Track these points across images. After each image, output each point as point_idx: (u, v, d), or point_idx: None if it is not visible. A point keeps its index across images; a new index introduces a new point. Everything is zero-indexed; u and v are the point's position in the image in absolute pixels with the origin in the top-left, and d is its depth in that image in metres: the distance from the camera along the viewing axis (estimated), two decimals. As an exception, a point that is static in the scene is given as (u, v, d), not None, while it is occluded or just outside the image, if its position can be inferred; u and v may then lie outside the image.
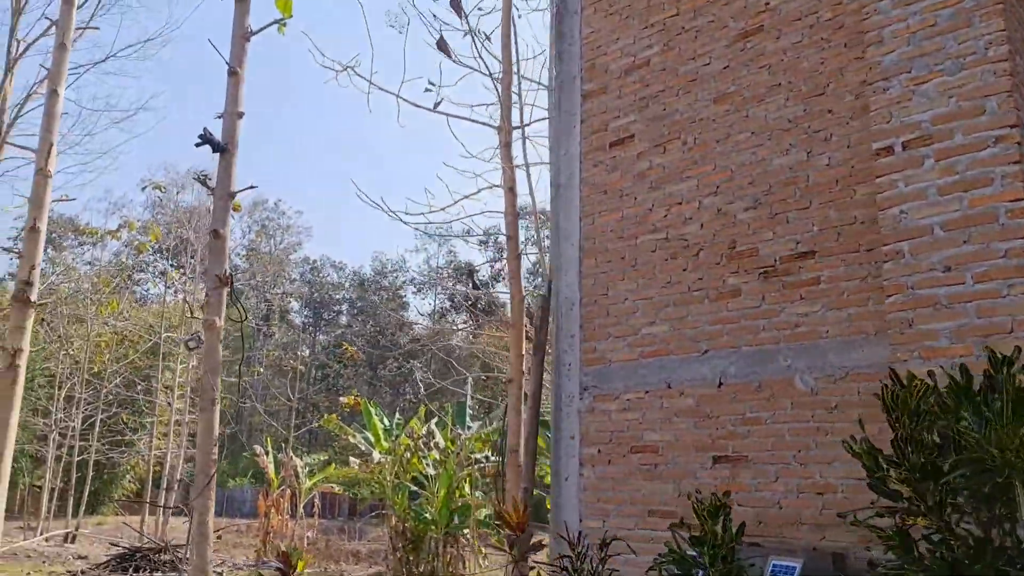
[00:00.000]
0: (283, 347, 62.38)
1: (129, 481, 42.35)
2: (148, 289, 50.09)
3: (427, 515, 22.34)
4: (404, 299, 71.66)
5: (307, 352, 66.22)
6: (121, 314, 29.68)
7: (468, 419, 23.41)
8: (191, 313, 23.63)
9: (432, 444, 22.77)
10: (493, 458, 22.79)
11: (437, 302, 70.78)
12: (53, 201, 8.85)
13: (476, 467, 22.60)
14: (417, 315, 71.34)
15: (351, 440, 22.54)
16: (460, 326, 61.54)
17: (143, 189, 34.48)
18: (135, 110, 66.74)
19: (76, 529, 26.98)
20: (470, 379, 29.08)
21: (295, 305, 73.08)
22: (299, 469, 24.60)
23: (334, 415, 25.10)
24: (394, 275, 72.94)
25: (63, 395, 29.48)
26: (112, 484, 40.90)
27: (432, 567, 22.10)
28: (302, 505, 24.57)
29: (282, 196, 62.28)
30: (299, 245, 67.55)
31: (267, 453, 25.04)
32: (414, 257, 76.25)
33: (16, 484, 40.02)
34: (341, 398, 22.14)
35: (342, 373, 65.76)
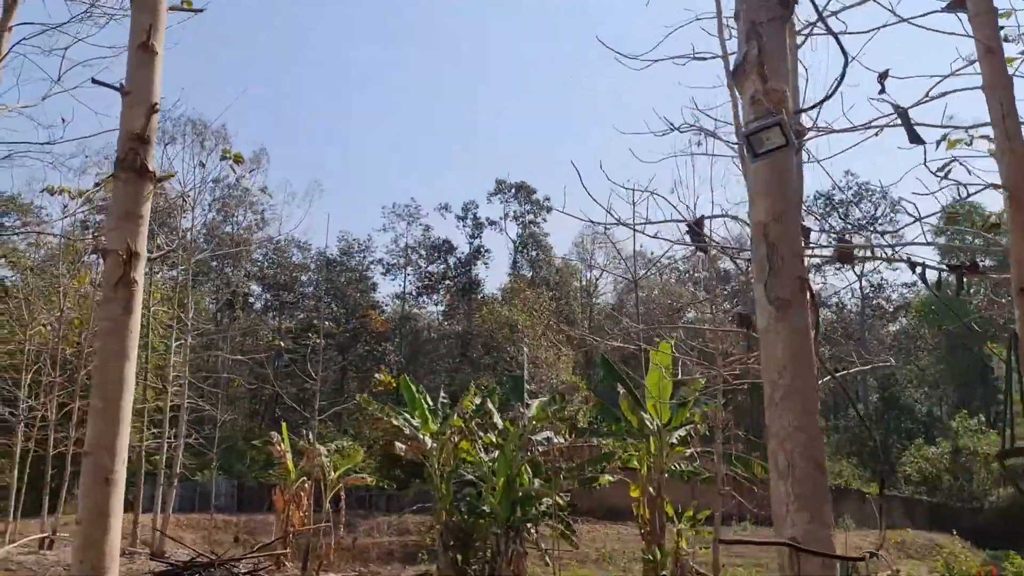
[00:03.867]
0: (244, 332, 58.53)
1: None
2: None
3: (484, 507, 19.42)
4: (372, 280, 67.75)
5: (270, 337, 62.28)
6: (97, 284, 25.90)
7: (526, 394, 20.49)
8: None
9: (489, 424, 19.86)
10: (556, 439, 20.01)
11: (408, 283, 67.27)
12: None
13: (539, 449, 19.79)
14: (385, 297, 67.77)
15: (394, 422, 19.42)
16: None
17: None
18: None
19: (54, 533, 23.29)
20: (525, 349, 26.31)
21: (256, 289, 68.84)
22: (324, 459, 21.34)
23: (364, 395, 22.02)
24: (361, 255, 68.81)
25: (28, 380, 25.67)
26: (74, 480, 36.78)
27: (492, 567, 19.19)
28: (328, 499, 21.37)
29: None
30: (262, 223, 63.12)
31: (283, 440, 21.79)
32: (381, 236, 72.18)
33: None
34: (377, 375, 18.97)
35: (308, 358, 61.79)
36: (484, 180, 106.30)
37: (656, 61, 7.70)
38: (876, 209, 59.79)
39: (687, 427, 17.62)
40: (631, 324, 21.13)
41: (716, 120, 9.45)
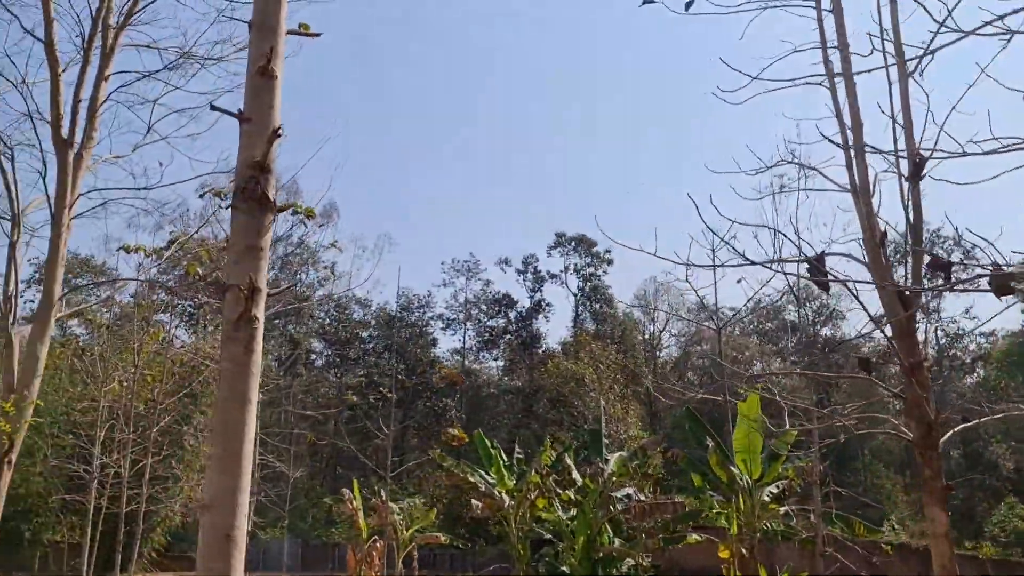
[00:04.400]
0: (306, 389, 58.72)
1: (159, 534, 38.32)
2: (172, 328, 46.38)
3: (564, 567, 18.58)
4: (432, 336, 67.65)
5: (331, 393, 62.44)
6: (169, 342, 26.17)
7: (604, 449, 19.74)
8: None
9: (568, 481, 19.13)
10: (638, 496, 19.16)
11: (467, 338, 67.01)
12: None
13: (619, 507, 18.94)
14: (445, 352, 67.54)
15: (470, 479, 18.81)
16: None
17: (201, 196, 30.67)
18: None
19: (126, 592, 23.06)
20: (603, 402, 25.53)
21: (317, 345, 69.33)
22: (396, 516, 20.77)
23: (436, 451, 21.50)
24: (421, 311, 68.90)
25: (102, 436, 25.80)
26: (144, 538, 36.83)
27: (574, 633, 18.24)
28: (401, 558, 20.74)
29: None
30: (325, 280, 63.80)
31: (355, 497, 21.32)
32: (440, 292, 72.31)
33: (38, 541, 35.92)
34: (450, 430, 18.46)
35: (371, 415, 61.70)
36: (543, 233, 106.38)
37: (760, 91, 7.27)
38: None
39: (780, 483, 16.67)
40: (733, 368, 20.26)
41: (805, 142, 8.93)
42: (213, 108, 4.60)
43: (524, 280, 60.20)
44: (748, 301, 23.40)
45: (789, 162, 10.13)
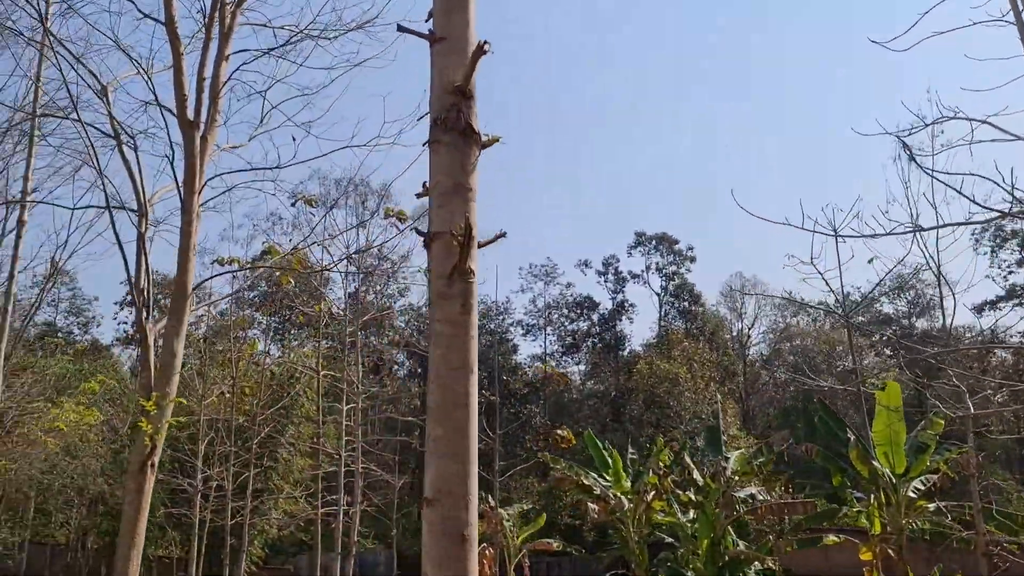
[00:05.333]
0: (392, 399, 58.62)
1: (256, 547, 38.54)
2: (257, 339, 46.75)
3: (687, 572, 17.54)
4: (512, 342, 67.02)
5: (417, 403, 62.33)
6: (265, 353, 26.10)
7: (723, 447, 18.63)
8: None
9: (689, 481, 18.09)
10: (763, 495, 18.00)
11: (548, 343, 66.13)
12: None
13: (743, 508, 17.80)
14: (526, 359, 66.78)
15: (583, 482, 17.95)
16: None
17: (293, 204, 30.57)
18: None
19: (234, 606, 22.92)
20: (719, 397, 24.47)
21: (399, 356, 69.42)
22: (505, 522, 20.03)
23: (545, 453, 20.71)
24: (500, 318, 68.35)
25: (203, 450, 25.84)
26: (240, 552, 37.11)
27: (702, 643, 17.16)
28: (512, 567, 19.99)
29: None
30: (406, 291, 63.83)
31: (462, 504, 20.71)
32: (519, 297, 71.78)
33: (144, 556, 36.41)
34: (559, 431, 17.63)
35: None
36: (622, 233, 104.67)
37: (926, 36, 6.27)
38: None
39: (928, 477, 15.31)
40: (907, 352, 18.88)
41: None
42: (401, 29, 3.89)
43: (605, 281, 59.11)
44: (881, 281, 21.76)
45: (953, 117, 8.97)
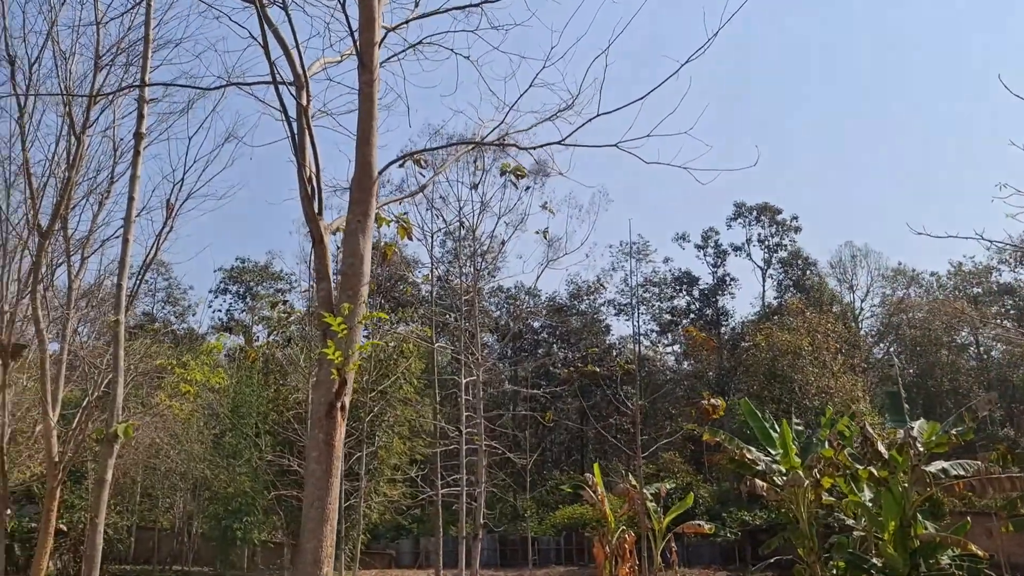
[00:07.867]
0: (485, 380, 57.18)
1: (359, 532, 37.58)
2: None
3: (874, 560, 15.24)
4: (604, 323, 64.78)
5: (507, 385, 60.87)
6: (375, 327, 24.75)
7: (906, 414, 16.24)
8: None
9: (873, 453, 15.79)
10: (959, 469, 15.58)
11: (640, 322, 63.65)
12: None
13: (936, 484, 15.42)
14: (619, 339, 64.46)
15: (747, 456, 15.83)
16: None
17: (400, 165, 28.82)
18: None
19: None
20: (895, 360, 21.93)
21: (489, 339, 68.03)
22: (648, 503, 18.07)
23: (692, 425, 18.67)
24: (591, 298, 66.07)
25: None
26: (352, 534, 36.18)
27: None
28: (659, 551, 18.06)
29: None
30: (496, 271, 62.22)
31: (598, 483, 18.81)
32: (611, 277, 69.34)
33: (248, 540, 35.83)
34: (704, 402, 15.55)
35: (549, 405, 59.60)
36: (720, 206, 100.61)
37: None
38: None
39: None
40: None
41: None
42: None
43: (704, 256, 56.33)
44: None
45: None
